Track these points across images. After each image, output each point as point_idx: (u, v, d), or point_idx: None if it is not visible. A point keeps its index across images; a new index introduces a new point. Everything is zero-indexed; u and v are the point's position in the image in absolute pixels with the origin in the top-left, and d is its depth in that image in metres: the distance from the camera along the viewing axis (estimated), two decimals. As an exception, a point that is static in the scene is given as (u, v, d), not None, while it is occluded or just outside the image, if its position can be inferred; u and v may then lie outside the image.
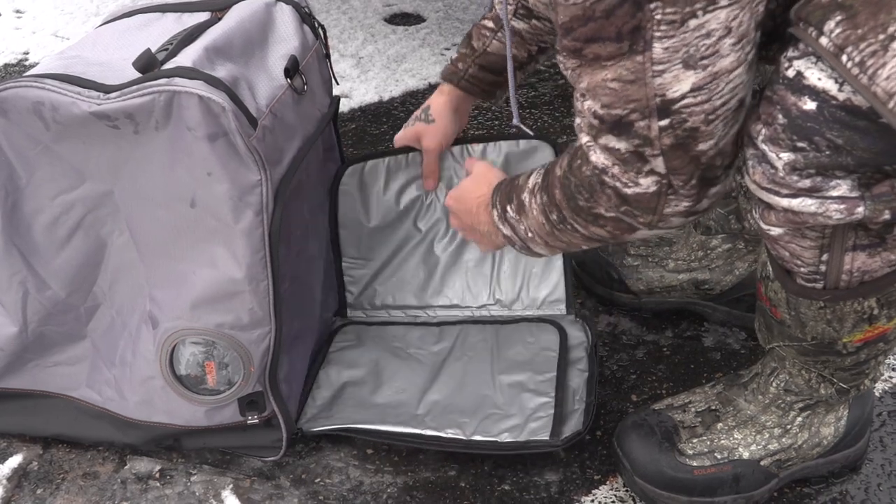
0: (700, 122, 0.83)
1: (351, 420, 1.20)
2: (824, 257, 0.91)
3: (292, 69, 1.11)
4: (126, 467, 1.18)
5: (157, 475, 1.16)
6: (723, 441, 1.09)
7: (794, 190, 0.84)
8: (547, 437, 1.14)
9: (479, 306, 1.39)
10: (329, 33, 2.32)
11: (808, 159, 0.81)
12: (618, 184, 0.89)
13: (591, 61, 0.84)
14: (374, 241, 1.39)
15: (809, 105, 0.79)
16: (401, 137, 1.30)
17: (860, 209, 0.83)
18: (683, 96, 0.81)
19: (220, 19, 1.13)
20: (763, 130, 0.83)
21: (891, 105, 0.75)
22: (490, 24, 1.24)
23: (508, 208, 1.05)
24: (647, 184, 0.88)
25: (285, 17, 1.18)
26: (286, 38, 1.16)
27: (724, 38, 0.79)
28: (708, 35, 0.79)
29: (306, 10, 1.22)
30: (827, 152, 0.81)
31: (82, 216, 1.06)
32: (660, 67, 0.80)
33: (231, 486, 1.15)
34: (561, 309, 1.37)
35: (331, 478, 1.17)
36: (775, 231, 0.90)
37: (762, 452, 1.09)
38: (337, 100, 1.28)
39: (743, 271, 1.35)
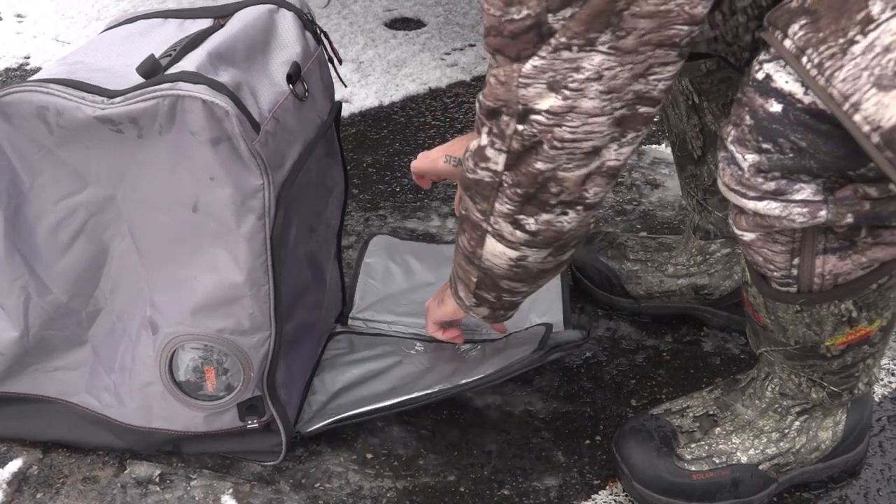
0: (545, 142, 0.88)
1: (345, 411, 1.21)
2: (795, 261, 0.92)
3: (294, 75, 1.12)
4: (126, 471, 1.18)
5: (157, 479, 1.17)
6: (721, 446, 1.10)
7: (759, 192, 0.85)
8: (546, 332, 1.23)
9: (476, 329, 1.39)
10: (330, 38, 2.32)
11: (772, 161, 0.83)
12: (467, 170, 0.97)
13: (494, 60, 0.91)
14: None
15: (775, 107, 0.81)
16: (429, 169, 1.27)
17: (823, 213, 0.84)
18: (540, 112, 0.86)
19: (222, 26, 1.13)
20: (732, 131, 0.85)
21: (845, 107, 0.77)
22: None
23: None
24: (483, 174, 0.95)
25: (287, 24, 1.18)
26: (288, 44, 1.16)
27: (592, 81, 0.83)
28: (577, 70, 0.83)
29: (308, 16, 1.23)
30: (790, 155, 0.82)
31: (85, 221, 1.06)
32: (525, 81, 0.85)
33: (231, 490, 1.15)
34: (558, 323, 1.37)
35: (330, 482, 1.17)
36: (748, 236, 0.92)
37: (760, 457, 1.09)
38: (339, 105, 1.28)
39: (742, 276, 1.35)
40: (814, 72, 0.77)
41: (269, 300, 1.07)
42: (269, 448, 1.17)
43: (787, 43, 0.79)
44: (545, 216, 0.94)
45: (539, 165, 0.90)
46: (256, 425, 1.14)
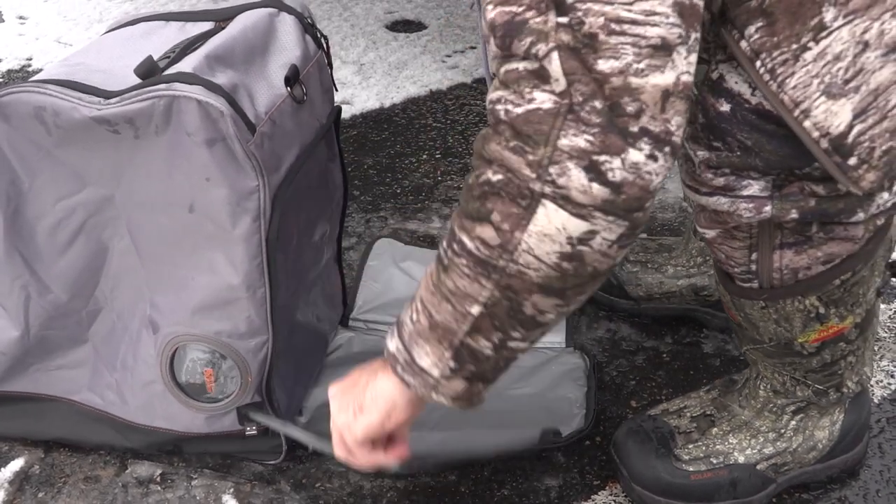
0: (599, 29, 0.71)
1: None
2: (754, 256, 0.93)
3: (292, 78, 1.12)
4: (127, 471, 1.18)
5: (158, 479, 1.17)
6: (718, 446, 1.10)
7: (710, 188, 0.88)
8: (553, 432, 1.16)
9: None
10: (331, 40, 2.32)
11: (720, 158, 0.85)
12: (509, 106, 0.74)
13: None
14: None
15: (725, 107, 0.83)
16: None
17: (768, 208, 0.86)
18: None
19: (223, 29, 1.13)
20: (688, 129, 0.86)
21: (796, 113, 0.79)
22: None
23: (404, 307, 0.88)
24: (541, 98, 0.73)
25: (287, 27, 1.19)
26: (287, 47, 1.17)
27: None
28: None
29: (309, 20, 1.23)
30: (738, 152, 0.84)
31: (83, 221, 1.07)
32: None
33: (232, 490, 1.15)
34: (559, 342, 1.37)
35: (331, 482, 1.17)
36: (709, 233, 0.93)
37: (758, 456, 1.09)
38: (338, 109, 1.28)
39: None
40: (766, 76, 0.79)
41: (265, 304, 1.07)
42: (270, 448, 1.18)
43: (743, 44, 0.80)
44: (633, 154, 0.72)
45: (602, 66, 0.71)
46: (255, 432, 1.15)
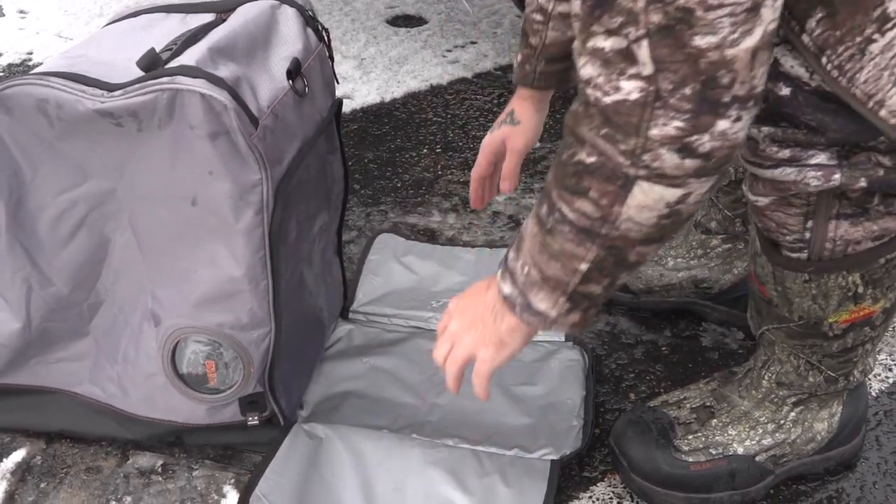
0: (696, 5, 0.69)
1: (356, 422, 1.22)
2: (809, 224, 0.93)
3: (294, 71, 1.12)
4: (129, 462, 1.19)
5: (160, 470, 1.18)
6: (717, 437, 1.10)
7: (775, 161, 0.87)
8: (555, 457, 1.17)
9: None
10: (331, 35, 2.33)
11: (786, 133, 0.85)
12: (598, 93, 0.75)
13: None
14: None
15: (784, 91, 0.83)
16: (488, 143, 1.26)
17: (837, 176, 0.86)
18: None
19: (224, 21, 1.14)
20: None
21: (870, 105, 0.79)
22: (538, 16, 1.19)
23: (510, 254, 0.92)
24: (628, 88, 0.73)
25: (289, 20, 1.19)
26: (289, 40, 1.17)
27: None
28: None
29: (310, 13, 1.23)
30: (804, 130, 0.84)
31: (86, 213, 1.07)
32: None
33: (232, 480, 1.16)
34: (559, 336, 1.38)
35: (331, 474, 1.18)
36: (762, 200, 0.93)
37: (756, 448, 1.10)
38: (339, 102, 1.29)
39: (742, 270, 1.36)
40: (835, 73, 0.79)
41: (267, 296, 1.07)
42: (271, 439, 1.18)
43: (805, 38, 0.79)
44: (722, 124, 0.73)
45: (699, 42, 0.70)
46: (257, 422, 1.15)
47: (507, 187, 1.27)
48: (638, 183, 0.77)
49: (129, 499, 1.14)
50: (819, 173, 0.86)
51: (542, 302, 0.88)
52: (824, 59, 0.79)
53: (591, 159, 0.78)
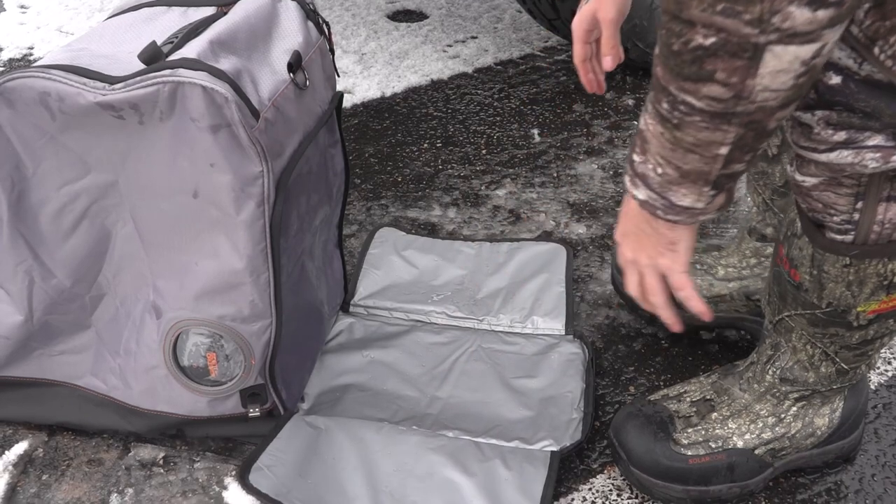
0: None
1: (356, 414, 1.23)
2: (858, 205, 0.91)
3: (295, 64, 1.12)
4: (130, 454, 1.19)
5: (161, 462, 1.18)
6: (717, 430, 1.11)
7: (830, 144, 0.86)
8: (555, 449, 1.18)
9: (480, 319, 1.41)
10: (332, 29, 2.33)
11: (841, 117, 0.84)
12: None
13: None
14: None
15: (835, 80, 0.82)
16: (578, 22, 1.18)
17: (895, 157, 0.85)
18: None
19: (225, 14, 1.14)
20: (800, 103, 0.85)
21: None
22: None
23: (635, 157, 0.89)
24: None
25: (290, 13, 1.19)
26: (290, 33, 1.17)
27: None
28: None
29: (311, 6, 1.23)
30: (859, 115, 0.84)
31: (87, 206, 1.07)
32: None
33: (233, 472, 1.16)
34: (559, 329, 1.38)
35: (331, 466, 1.18)
36: (810, 181, 0.91)
37: (756, 441, 1.10)
38: (340, 95, 1.29)
39: (785, 230, 1.31)
40: (889, 63, 0.78)
41: (269, 288, 1.08)
42: (272, 432, 1.19)
43: (855, 30, 0.79)
44: None
45: None
46: (258, 413, 1.16)
47: (610, 63, 1.17)
48: (769, 49, 0.73)
49: (130, 491, 1.14)
50: (878, 154, 0.85)
51: (685, 198, 0.87)
52: (877, 50, 0.78)
53: (711, 40, 0.73)
